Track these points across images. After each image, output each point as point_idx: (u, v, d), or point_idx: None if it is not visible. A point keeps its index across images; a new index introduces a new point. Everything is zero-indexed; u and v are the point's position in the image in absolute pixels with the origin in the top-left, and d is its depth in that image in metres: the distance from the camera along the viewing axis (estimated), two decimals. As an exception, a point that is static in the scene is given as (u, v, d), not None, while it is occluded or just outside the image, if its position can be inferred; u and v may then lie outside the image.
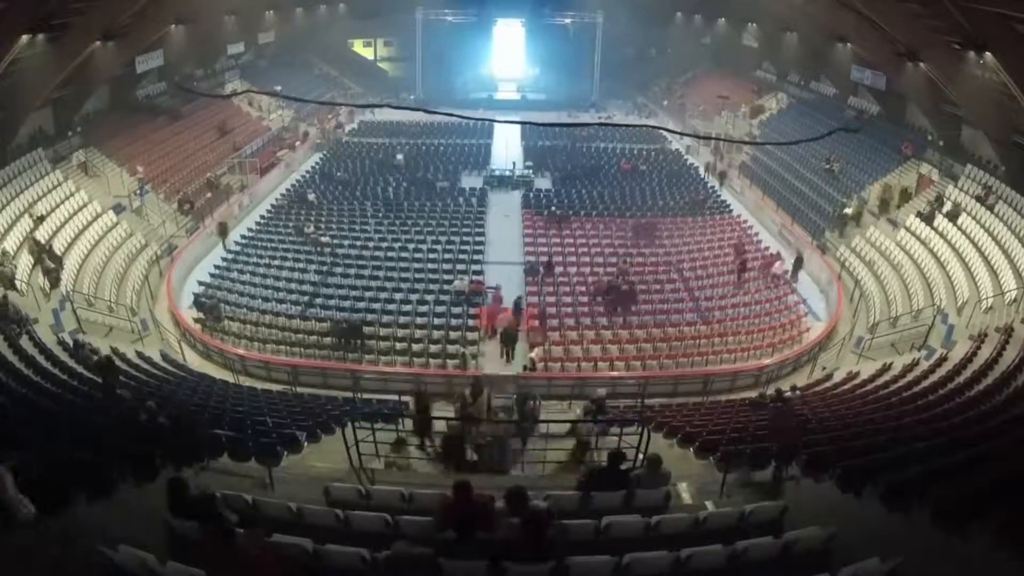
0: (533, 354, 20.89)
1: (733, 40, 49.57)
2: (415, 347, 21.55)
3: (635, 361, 21.25)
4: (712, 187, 37.25)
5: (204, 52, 40.62)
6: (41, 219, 25.10)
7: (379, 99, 51.78)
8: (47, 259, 23.30)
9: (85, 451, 9.49)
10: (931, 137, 31.73)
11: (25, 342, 17.72)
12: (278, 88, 45.46)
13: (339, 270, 26.54)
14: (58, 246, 24.50)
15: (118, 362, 18.57)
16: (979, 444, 9.26)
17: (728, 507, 9.58)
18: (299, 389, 19.29)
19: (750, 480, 11.07)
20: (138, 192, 30.26)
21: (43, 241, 24.14)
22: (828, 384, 19.34)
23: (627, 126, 46.49)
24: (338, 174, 37.41)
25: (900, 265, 26.42)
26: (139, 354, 19.95)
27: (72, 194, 27.48)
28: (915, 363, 19.42)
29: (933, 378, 17.44)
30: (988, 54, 23.18)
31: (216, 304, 22.89)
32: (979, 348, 18.62)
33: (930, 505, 8.47)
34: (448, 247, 28.64)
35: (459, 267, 26.74)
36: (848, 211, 31.09)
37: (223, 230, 28.89)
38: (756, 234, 31.21)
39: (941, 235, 26.49)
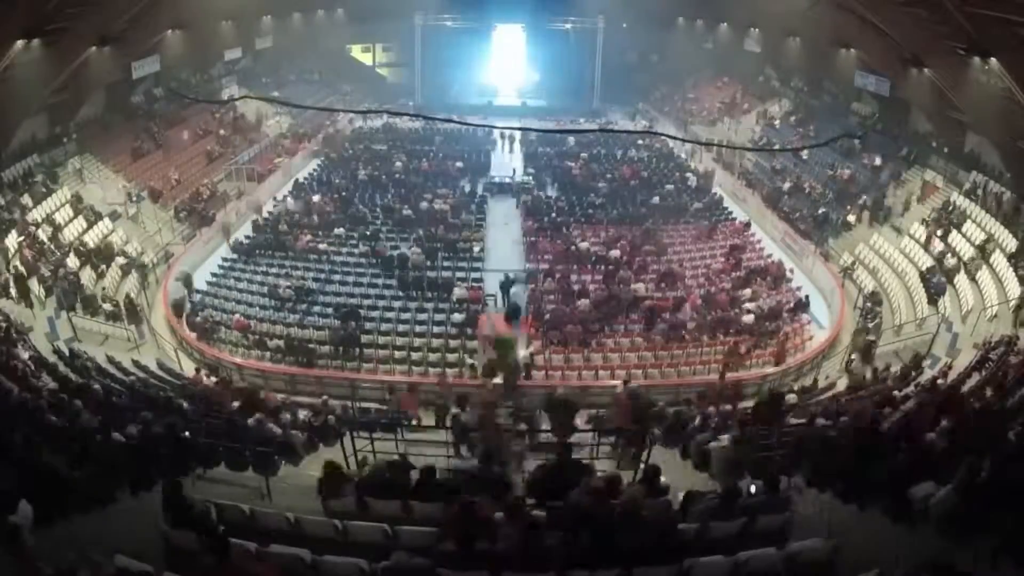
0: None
1: (735, 45, 49.36)
2: (414, 355, 21.40)
3: (636, 369, 21.06)
4: (715, 193, 37.00)
5: (201, 57, 40.49)
6: (34, 226, 24.99)
7: (378, 105, 51.72)
8: (42, 267, 23.14)
9: (82, 461, 9.33)
10: (935, 143, 31.54)
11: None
12: (275, 94, 45.31)
13: (337, 277, 26.33)
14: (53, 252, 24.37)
15: (113, 370, 18.52)
16: (983, 453, 9.06)
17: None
18: (296, 398, 19.10)
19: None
20: (134, 199, 30.09)
21: (39, 248, 24.01)
22: (830, 393, 19.15)
23: (629, 132, 46.30)
24: (336, 180, 37.13)
25: (904, 273, 26.26)
26: (135, 363, 19.79)
27: (67, 201, 27.31)
28: (919, 372, 19.24)
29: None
30: (993, 59, 23.06)
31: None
32: (984, 356, 18.43)
33: (935, 516, 8.28)
34: (447, 254, 28.42)
35: (458, 275, 26.52)
36: (851, 218, 31.00)
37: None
38: (759, 241, 30.98)
39: (945, 242, 26.32)
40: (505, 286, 24.90)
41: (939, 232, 26.82)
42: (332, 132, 44.82)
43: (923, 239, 27.35)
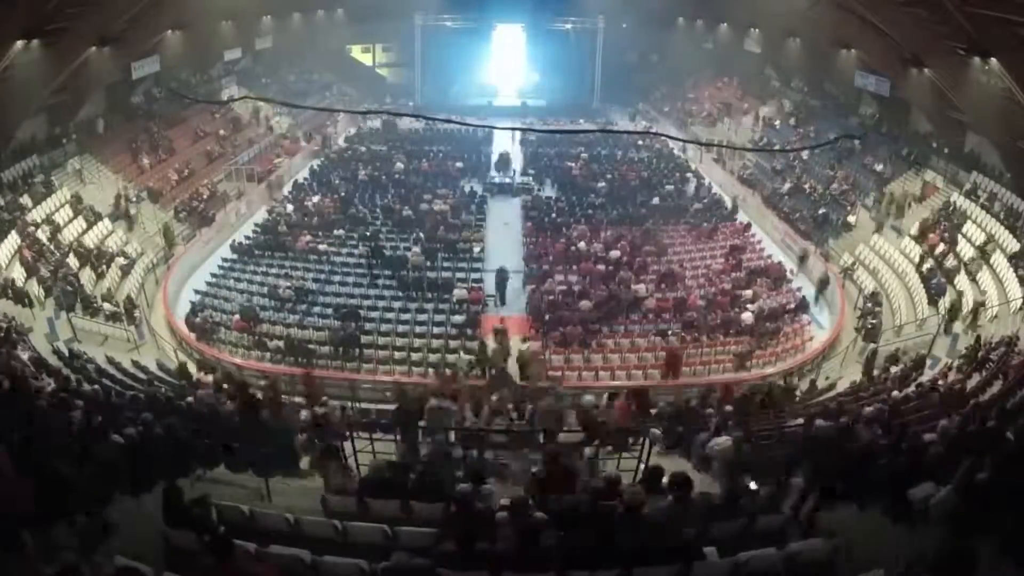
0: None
1: (735, 46, 49.24)
2: (414, 356, 21.39)
3: (636, 370, 21.05)
4: (716, 194, 36.90)
5: (201, 58, 40.45)
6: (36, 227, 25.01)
7: (378, 105, 51.64)
8: (42, 268, 23.14)
9: (81, 462, 9.32)
10: (936, 144, 31.49)
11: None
12: (275, 94, 45.26)
13: (336, 278, 26.33)
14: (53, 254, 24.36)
15: (113, 371, 18.51)
16: (984, 454, 9.07)
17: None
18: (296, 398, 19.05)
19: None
20: (134, 200, 30.07)
21: (39, 249, 24.01)
22: (831, 394, 19.12)
23: (629, 132, 46.22)
24: (336, 181, 37.06)
25: (904, 273, 26.23)
26: (135, 363, 19.78)
27: (66, 202, 27.30)
28: (919, 372, 19.21)
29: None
30: (993, 59, 23.04)
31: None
32: (984, 357, 18.40)
33: (935, 517, 8.27)
34: (447, 254, 28.44)
35: (458, 275, 26.56)
36: (851, 219, 31.00)
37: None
38: (759, 241, 30.97)
39: (946, 243, 26.29)
40: (501, 280, 25.02)
41: (945, 236, 26.72)
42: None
43: (918, 237, 27.44)
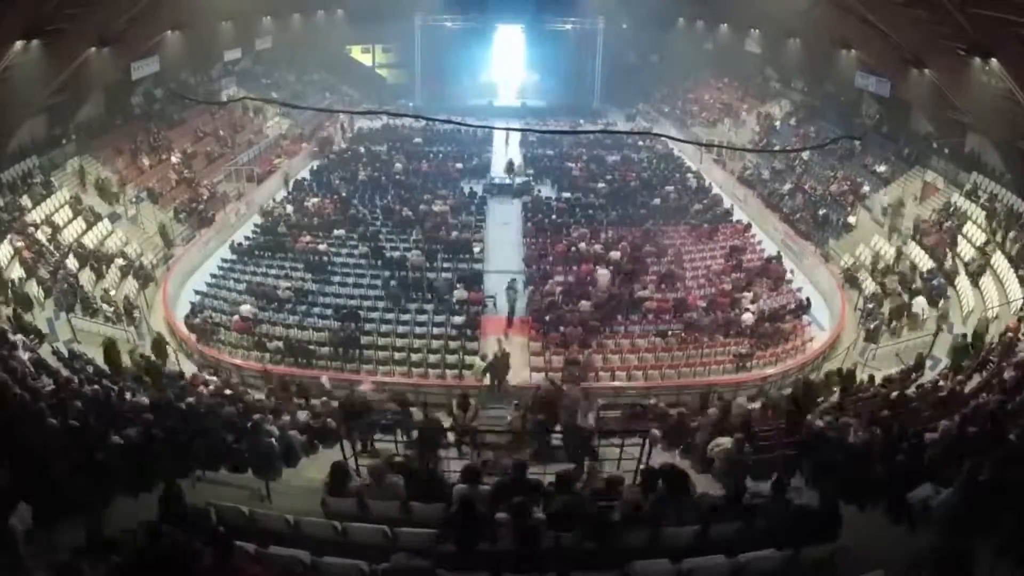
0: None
1: (735, 46, 49.26)
2: (414, 356, 21.37)
3: (637, 371, 21.03)
4: (716, 195, 36.83)
5: (201, 58, 40.40)
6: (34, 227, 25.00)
7: (377, 106, 51.61)
8: (41, 268, 23.11)
9: (80, 463, 9.31)
10: (936, 144, 31.46)
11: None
12: (275, 95, 45.26)
13: (336, 278, 26.30)
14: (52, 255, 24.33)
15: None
16: (984, 455, 9.07)
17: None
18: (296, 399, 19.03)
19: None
20: (134, 200, 30.04)
21: (38, 250, 23.98)
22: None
23: (629, 133, 46.20)
24: (336, 182, 37.05)
25: (905, 273, 26.18)
26: (135, 363, 19.71)
27: (66, 202, 27.27)
28: (920, 374, 19.18)
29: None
30: (993, 60, 23.01)
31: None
32: (985, 358, 18.36)
33: (937, 518, 8.27)
34: (447, 255, 28.37)
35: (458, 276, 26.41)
36: (852, 219, 30.95)
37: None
38: (759, 242, 30.92)
39: (946, 244, 26.25)
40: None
41: (947, 239, 26.65)
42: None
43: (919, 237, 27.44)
